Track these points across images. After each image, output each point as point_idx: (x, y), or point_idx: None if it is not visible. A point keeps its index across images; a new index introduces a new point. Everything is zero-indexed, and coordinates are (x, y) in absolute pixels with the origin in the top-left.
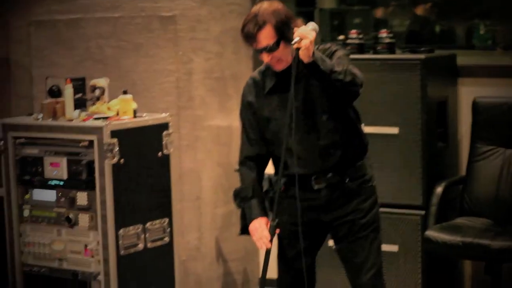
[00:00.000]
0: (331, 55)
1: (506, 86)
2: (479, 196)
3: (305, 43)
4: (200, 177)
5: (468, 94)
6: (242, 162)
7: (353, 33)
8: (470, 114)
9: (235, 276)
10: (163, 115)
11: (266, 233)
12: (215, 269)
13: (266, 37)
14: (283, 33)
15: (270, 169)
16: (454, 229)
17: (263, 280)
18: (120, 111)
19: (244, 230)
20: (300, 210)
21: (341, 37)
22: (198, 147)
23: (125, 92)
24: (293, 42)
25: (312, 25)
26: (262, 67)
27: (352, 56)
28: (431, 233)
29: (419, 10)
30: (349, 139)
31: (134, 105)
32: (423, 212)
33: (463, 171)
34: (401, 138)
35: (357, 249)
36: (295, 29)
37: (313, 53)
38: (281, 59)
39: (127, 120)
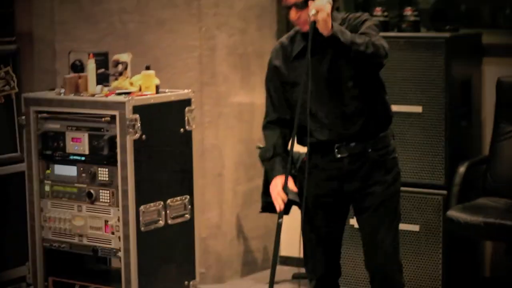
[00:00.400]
0: (360, 24)
1: None
2: (502, 176)
3: (322, 16)
4: (222, 154)
5: (492, 73)
6: (265, 126)
7: (378, 11)
8: (494, 94)
9: (255, 254)
10: (186, 91)
11: (283, 193)
12: (235, 246)
13: None
14: None
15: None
16: (476, 209)
17: (276, 254)
18: (143, 86)
19: (265, 208)
20: (307, 170)
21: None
22: (221, 124)
23: (147, 68)
24: (309, 15)
25: None
26: (291, 32)
27: None
28: (452, 213)
29: None
30: (373, 108)
31: (156, 81)
32: (445, 192)
33: (486, 151)
34: (425, 117)
35: (378, 224)
36: (310, 2)
37: (333, 25)
38: (307, 20)
39: (149, 96)
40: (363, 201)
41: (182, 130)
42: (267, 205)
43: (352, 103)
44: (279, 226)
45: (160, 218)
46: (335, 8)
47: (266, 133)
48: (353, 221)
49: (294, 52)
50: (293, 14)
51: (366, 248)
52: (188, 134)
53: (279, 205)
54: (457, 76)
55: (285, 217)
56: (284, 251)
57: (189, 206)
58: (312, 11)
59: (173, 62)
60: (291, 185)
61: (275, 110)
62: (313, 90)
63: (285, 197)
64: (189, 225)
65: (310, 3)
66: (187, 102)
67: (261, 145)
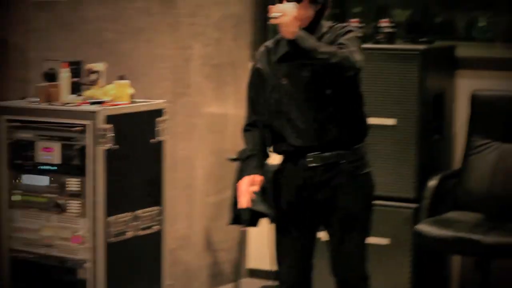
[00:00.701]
0: (342, 35)
1: (505, 79)
2: (473, 190)
3: (285, 19)
4: (193, 165)
5: (465, 86)
6: (245, 128)
7: (354, 22)
8: (467, 107)
9: (223, 266)
10: (159, 101)
11: (248, 191)
12: (203, 258)
13: None
14: None
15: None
16: (446, 223)
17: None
18: (116, 96)
19: (234, 220)
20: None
21: None
22: (193, 135)
23: (121, 77)
24: (272, 16)
25: (293, 4)
26: (278, 36)
27: None
28: (422, 227)
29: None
30: (350, 119)
31: (130, 91)
32: (415, 205)
33: (457, 164)
34: (398, 130)
35: (346, 238)
36: (272, 6)
37: (297, 32)
38: (296, 18)
39: (121, 106)
40: (332, 213)
41: (153, 140)
42: (237, 218)
43: (329, 111)
44: (243, 233)
45: (129, 229)
46: (325, 16)
47: (245, 135)
48: (320, 234)
49: (278, 55)
50: None
51: (332, 258)
52: (160, 144)
53: (245, 201)
54: (431, 88)
55: (253, 229)
56: (252, 263)
57: (159, 218)
58: (275, 14)
59: (148, 71)
60: (257, 186)
61: (255, 112)
62: (292, 94)
63: (252, 196)
64: (158, 236)
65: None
66: (159, 112)
67: (233, 157)
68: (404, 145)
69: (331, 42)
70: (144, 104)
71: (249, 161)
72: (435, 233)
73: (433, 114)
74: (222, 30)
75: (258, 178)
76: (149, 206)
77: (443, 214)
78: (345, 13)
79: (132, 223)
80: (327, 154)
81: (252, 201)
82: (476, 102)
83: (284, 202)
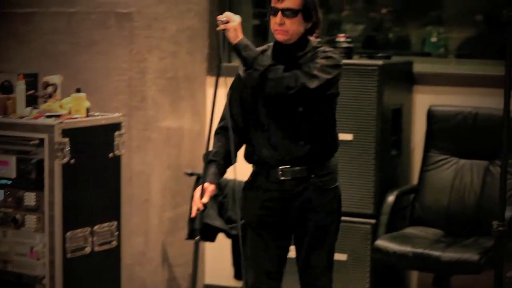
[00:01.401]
0: (320, 58)
1: (462, 95)
2: (430, 206)
3: (232, 25)
4: (149, 180)
5: (423, 102)
6: (216, 132)
7: (313, 37)
8: (424, 122)
9: (179, 281)
10: (116, 115)
11: (200, 203)
12: (160, 273)
13: (293, 1)
14: (307, 8)
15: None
16: (405, 239)
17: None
18: (73, 109)
19: (191, 235)
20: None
21: None
22: (149, 149)
23: (78, 90)
24: (219, 21)
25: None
26: (264, 46)
27: None
28: (381, 242)
29: (375, 15)
30: (321, 135)
31: (87, 104)
32: (374, 221)
33: (415, 180)
34: (355, 145)
35: (313, 251)
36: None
37: (242, 38)
38: (288, 30)
39: (79, 119)
40: (301, 226)
41: (111, 154)
42: (193, 232)
43: (301, 127)
44: (196, 244)
45: (87, 245)
46: (313, 33)
47: (214, 139)
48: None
49: None
50: (278, 19)
51: (301, 270)
52: (117, 159)
53: (193, 211)
54: (389, 104)
55: (210, 245)
56: (209, 279)
57: (116, 233)
58: (223, 18)
59: (103, 84)
60: (207, 197)
61: (230, 116)
62: (269, 107)
63: (201, 207)
64: (115, 252)
65: (299, 15)
66: (117, 126)
67: (189, 171)
68: (362, 160)
69: (308, 62)
70: (102, 118)
71: (210, 167)
72: (394, 248)
73: (391, 129)
74: (177, 44)
75: (210, 188)
76: (107, 221)
77: (401, 230)
78: None
79: (89, 239)
80: (297, 168)
81: (208, 215)
82: (433, 117)
83: (254, 214)
